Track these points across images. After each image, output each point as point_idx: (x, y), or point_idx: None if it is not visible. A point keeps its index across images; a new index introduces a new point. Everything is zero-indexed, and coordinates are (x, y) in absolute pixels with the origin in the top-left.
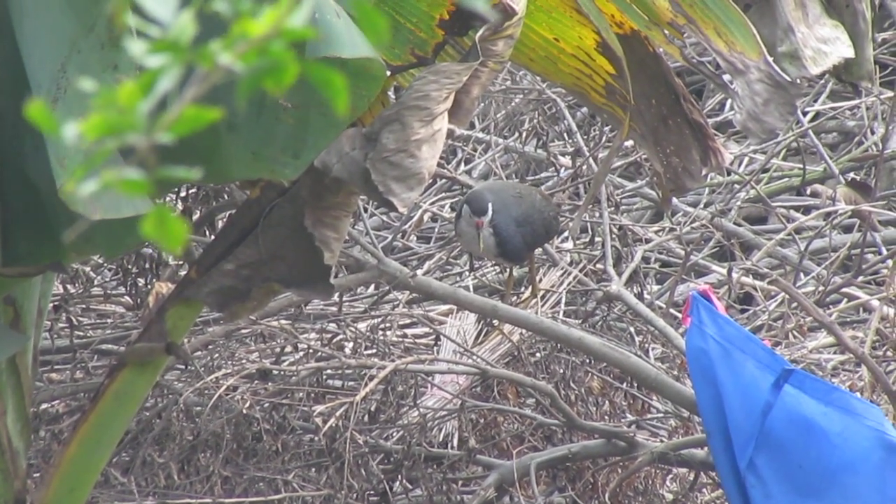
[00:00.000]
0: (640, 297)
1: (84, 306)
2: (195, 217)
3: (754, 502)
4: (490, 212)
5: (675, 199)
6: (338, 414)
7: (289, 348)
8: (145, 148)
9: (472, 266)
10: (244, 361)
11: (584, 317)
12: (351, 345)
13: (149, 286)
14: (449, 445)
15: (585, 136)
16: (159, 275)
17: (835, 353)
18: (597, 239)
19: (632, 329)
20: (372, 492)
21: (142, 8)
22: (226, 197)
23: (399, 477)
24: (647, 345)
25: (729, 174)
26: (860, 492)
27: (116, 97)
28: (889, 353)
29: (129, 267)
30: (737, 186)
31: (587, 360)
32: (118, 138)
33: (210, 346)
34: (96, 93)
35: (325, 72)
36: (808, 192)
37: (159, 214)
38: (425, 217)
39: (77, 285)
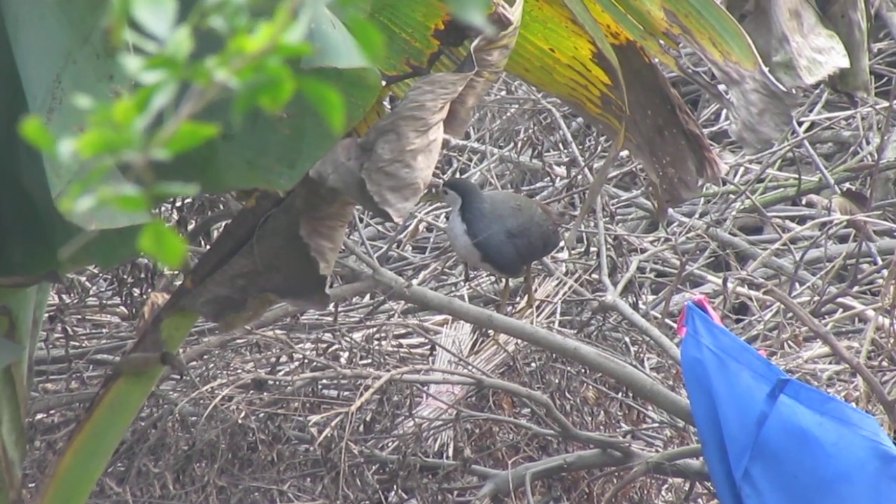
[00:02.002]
0: (635, 307)
1: (79, 316)
2: (190, 227)
3: None
4: (449, 194)
5: (670, 210)
6: (333, 424)
7: (284, 358)
8: (141, 164)
9: (467, 276)
10: (239, 371)
11: (579, 327)
12: (346, 355)
13: (144, 296)
14: (444, 455)
15: (581, 147)
16: (154, 285)
17: (830, 363)
18: (592, 249)
19: (627, 339)
20: (367, 502)
21: (139, 23)
22: (221, 207)
23: (394, 487)
24: (642, 355)
25: (724, 184)
26: (855, 502)
27: (112, 114)
28: (884, 364)
29: (125, 277)
30: (732, 196)
31: (582, 370)
32: (114, 155)
33: (205, 356)
34: (92, 109)
35: (320, 88)
36: (804, 202)
37: (156, 230)
38: (421, 227)
39: (72, 295)
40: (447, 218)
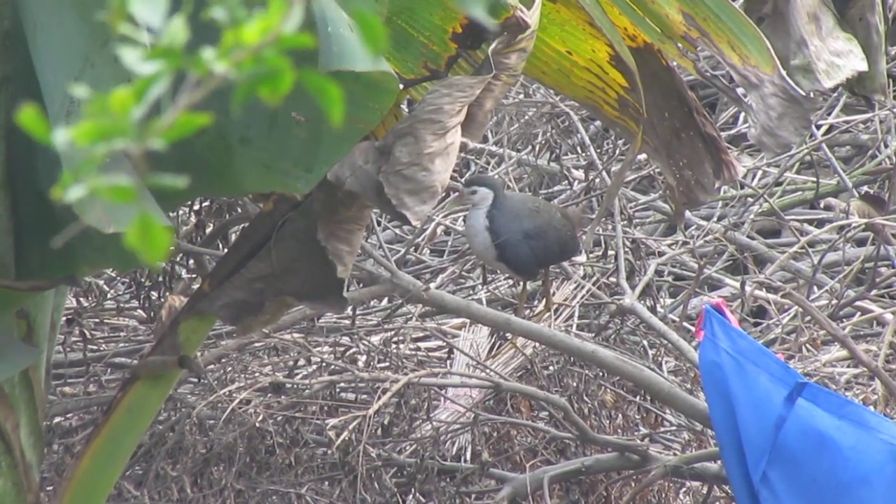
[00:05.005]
0: (653, 310)
1: (97, 320)
2: (208, 230)
3: None
4: (479, 192)
5: (688, 213)
6: (351, 427)
7: (302, 361)
8: (137, 154)
9: (485, 279)
10: (257, 375)
11: (597, 330)
12: (364, 358)
13: (162, 299)
14: (462, 459)
15: (598, 150)
16: (172, 288)
17: (848, 366)
18: (610, 252)
19: (645, 342)
20: None
21: (132, 14)
22: (239, 210)
23: (412, 490)
24: (660, 358)
25: (742, 187)
26: None
27: (109, 103)
28: None
29: (143, 280)
30: (750, 200)
31: (600, 374)
32: (110, 144)
33: (223, 360)
34: (89, 98)
35: (320, 81)
36: (822, 205)
37: (143, 222)
38: (438, 230)
39: (90, 298)
40: (464, 220)
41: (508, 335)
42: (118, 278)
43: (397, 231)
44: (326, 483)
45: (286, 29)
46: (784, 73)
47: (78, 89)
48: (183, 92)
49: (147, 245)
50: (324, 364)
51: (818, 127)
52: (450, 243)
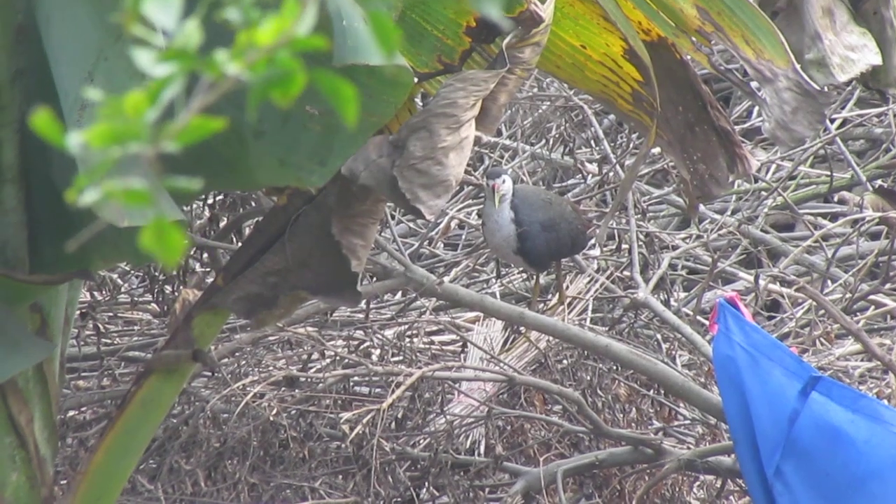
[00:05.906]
0: (666, 304)
1: (111, 313)
2: (222, 224)
3: None
4: (507, 181)
5: (701, 206)
6: (365, 421)
7: (316, 355)
8: (150, 157)
9: (498, 273)
10: (271, 368)
11: (610, 324)
12: (378, 352)
13: (176, 293)
14: (476, 452)
15: (612, 144)
16: (186, 282)
17: (862, 360)
18: (624, 246)
19: (659, 336)
20: (399, 499)
21: (146, 16)
22: (253, 204)
23: (426, 484)
24: (673, 352)
25: (756, 181)
26: (888, 499)
27: (123, 106)
28: None
29: (156, 274)
30: (764, 193)
31: (614, 367)
32: (124, 147)
33: (237, 354)
34: (103, 101)
35: (333, 81)
36: (836, 199)
37: (158, 226)
38: (452, 224)
39: (104, 292)
40: (481, 213)
41: (522, 329)
42: (132, 272)
43: (411, 225)
44: (340, 477)
45: (300, 31)
46: (798, 67)
47: (91, 92)
48: (196, 94)
49: (162, 247)
50: (337, 358)
51: (832, 121)
52: (463, 237)
